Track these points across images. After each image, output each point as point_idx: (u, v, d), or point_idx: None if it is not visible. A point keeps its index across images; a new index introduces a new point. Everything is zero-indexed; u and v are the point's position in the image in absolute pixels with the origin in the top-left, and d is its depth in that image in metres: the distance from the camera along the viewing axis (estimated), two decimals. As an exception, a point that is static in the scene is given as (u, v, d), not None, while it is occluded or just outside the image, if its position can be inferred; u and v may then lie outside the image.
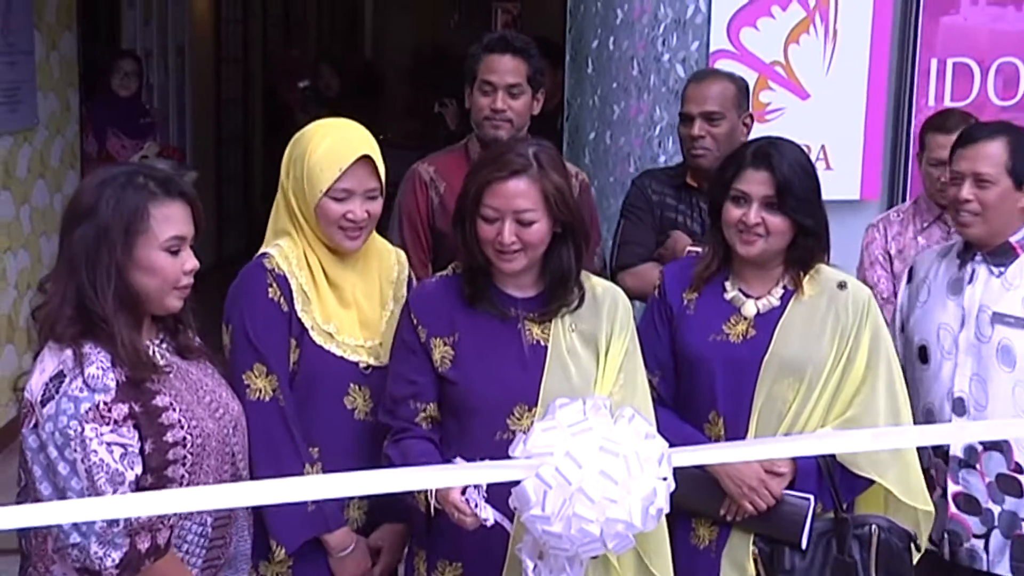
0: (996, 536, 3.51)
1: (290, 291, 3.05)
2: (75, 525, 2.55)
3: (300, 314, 3.05)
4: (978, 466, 3.53)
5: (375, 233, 3.20)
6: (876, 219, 4.40)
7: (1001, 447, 3.51)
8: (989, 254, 3.56)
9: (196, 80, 10.61)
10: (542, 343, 3.01)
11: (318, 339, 3.07)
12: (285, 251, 3.08)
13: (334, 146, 3.06)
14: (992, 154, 3.51)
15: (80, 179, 7.37)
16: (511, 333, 3.02)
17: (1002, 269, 3.55)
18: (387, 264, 3.28)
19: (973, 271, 3.58)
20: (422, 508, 2.90)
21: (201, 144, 10.60)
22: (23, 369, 2.81)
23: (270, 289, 3.03)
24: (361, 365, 3.11)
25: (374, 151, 3.08)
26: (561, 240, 2.98)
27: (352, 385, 3.11)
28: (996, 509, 3.51)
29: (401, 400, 3.00)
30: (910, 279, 3.78)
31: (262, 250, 3.11)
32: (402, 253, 3.39)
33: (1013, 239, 3.55)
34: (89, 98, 7.74)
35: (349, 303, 3.14)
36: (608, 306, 3.07)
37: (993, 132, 3.60)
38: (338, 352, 3.09)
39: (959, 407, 3.53)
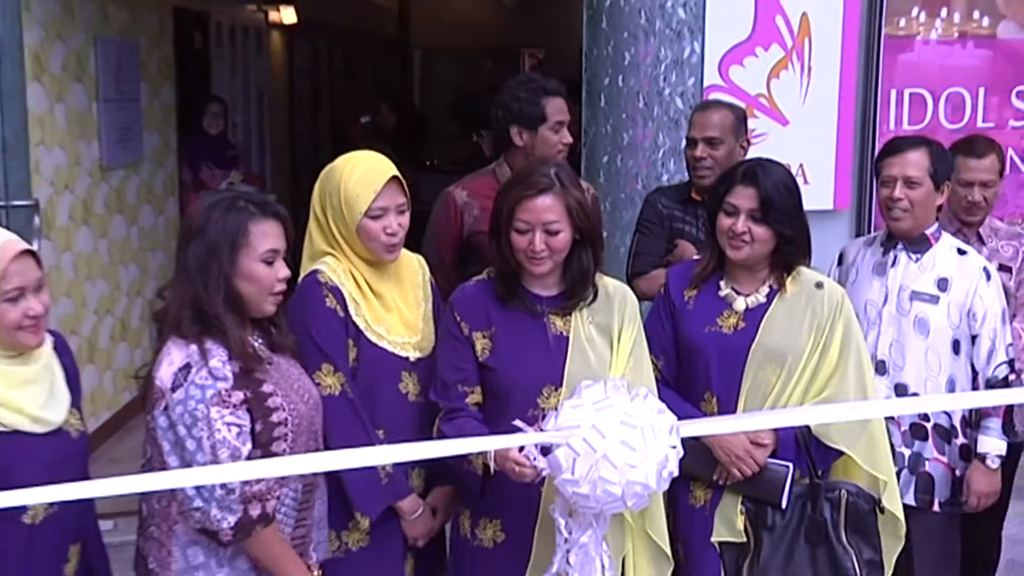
0: (904, 474, 3.56)
1: (343, 299, 3.03)
2: (199, 492, 2.60)
3: (355, 318, 3.04)
4: (896, 417, 3.58)
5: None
6: None
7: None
8: (909, 243, 3.61)
9: (273, 119, 10.70)
10: (564, 333, 3.02)
11: (372, 337, 3.06)
12: (332, 266, 3.06)
13: (366, 173, 3.05)
14: (918, 160, 3.56)
15: (178, 204, 7.56)
16: (538, 326, 3.02)
17: (919, 256, 3.61)
18: (413, 271, 3.26)
19: (895, 257, 3.63)
20: (479, 471, 2.92)
21: (279, 172, 10.67)
22: (134, 362, 2.83)
23: (327, 299, 3.01)
24: (411, 359, 3.11)
25: (398, 172, 3.09)
26: (580, 245, 2.99)
27: (404, 373, 3.09)
28: (906, 452, 3.59)
29: (451, 384, 3.01)
30: (840, 262, 3.83)
31: (309, 269, 3.09)
32: (421, 258, 3.36)
33: (928, 231, 3.60)
34: (185, 136, 7.79)
35: (391, 308, 3.13)
36: (619, 301, 3.08)
37: (916, 143, 3.65)
38: (390, 348, 3.08)
39: (881, 368, 3.58)
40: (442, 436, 2.97)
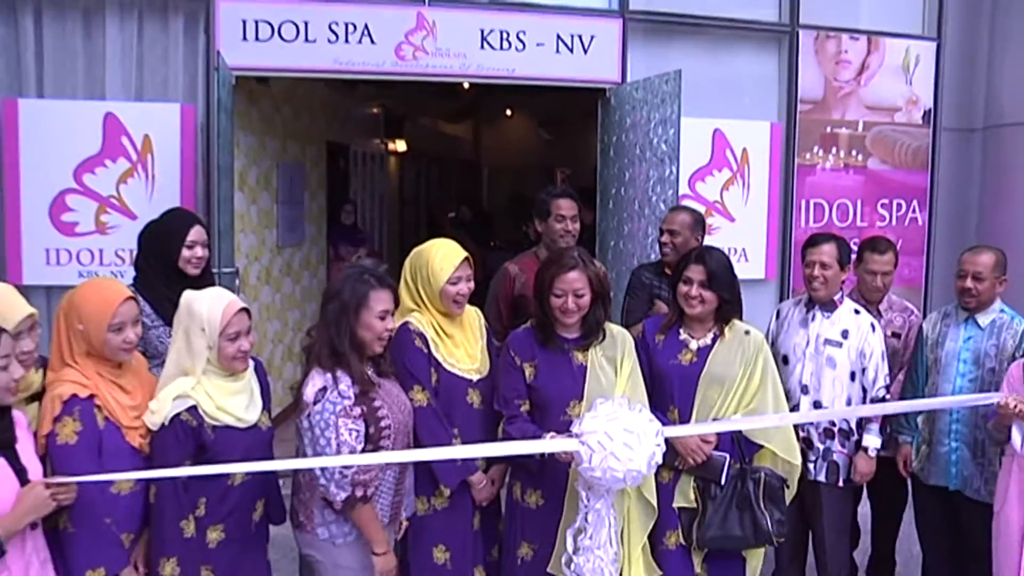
0: (819, 461, 3.56)
1: (427, 341, 2.99)
2: (323, 472, 2.64)
3: (435, 354, 3.01)
4: (814, 423, 3.57)
5: None
6: None
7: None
8: (823, 306, 3.60)
9: (389, 214, 10.71)
10: (584, 364, 3.01)
11: (447, 367, 3.03)
12: (419, 319, 3.02)
13: (446, 254, 3.03)
14: (829, 251, 3.58)
15: (326, 271, 7.56)
16: (566, 359, 3.02)
17: (829, 314, 3.59)
18: (472, 318, 3.19)
19: (814, 315, 3.61)
20: (538, 457, 2.92)
21: (392, 249, 10.68)
22: (295, 376, 2.86)
23: (416, 340, 2.97)
24: (473, 380, 3.07)
25: (467, 255, 3.08)
26: (595, 303, 3.00)
27: (470, 389, 3.05)
28: (821, 447, 3.57)
29: (510, 399, 3.01)
30: (778, 316, 3.78)
31: (401, 321, 3.00)
32: (477, 309, 3.26)
33: (835, 298, 3.60)
34: (330, 225, 7.82)
35: (459, 345, 3.09)
36: (620, 341, 3.07)
37: (828, 238, 3.65)
38: (459, 373, 3.04)
39: (805, 390, 3.57)
40: (507, 434, 2.98)
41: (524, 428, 2.95)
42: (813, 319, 3.60)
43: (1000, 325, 3.47)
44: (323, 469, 2.63)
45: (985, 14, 5.81)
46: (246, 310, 2.66)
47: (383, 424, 2.73)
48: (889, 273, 3.88)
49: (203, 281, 3.27)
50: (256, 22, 4.74)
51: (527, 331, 3.10)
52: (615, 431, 2.65)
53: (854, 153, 5.68)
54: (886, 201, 5.76)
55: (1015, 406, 2.98)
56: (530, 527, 3.08)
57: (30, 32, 4.60)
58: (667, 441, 2.99)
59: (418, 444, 2.91)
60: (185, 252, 3.28)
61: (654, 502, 3.05)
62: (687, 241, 3.85)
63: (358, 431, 2.67)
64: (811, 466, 3.56)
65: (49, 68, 4.61)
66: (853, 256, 3.81)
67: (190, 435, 2.53)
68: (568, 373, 3.01)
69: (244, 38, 4.72)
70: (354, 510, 2.69)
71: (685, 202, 4.95)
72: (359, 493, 2.67)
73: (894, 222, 5.78)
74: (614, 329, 3.11)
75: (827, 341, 3.55)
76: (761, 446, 3.16)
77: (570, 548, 2.87)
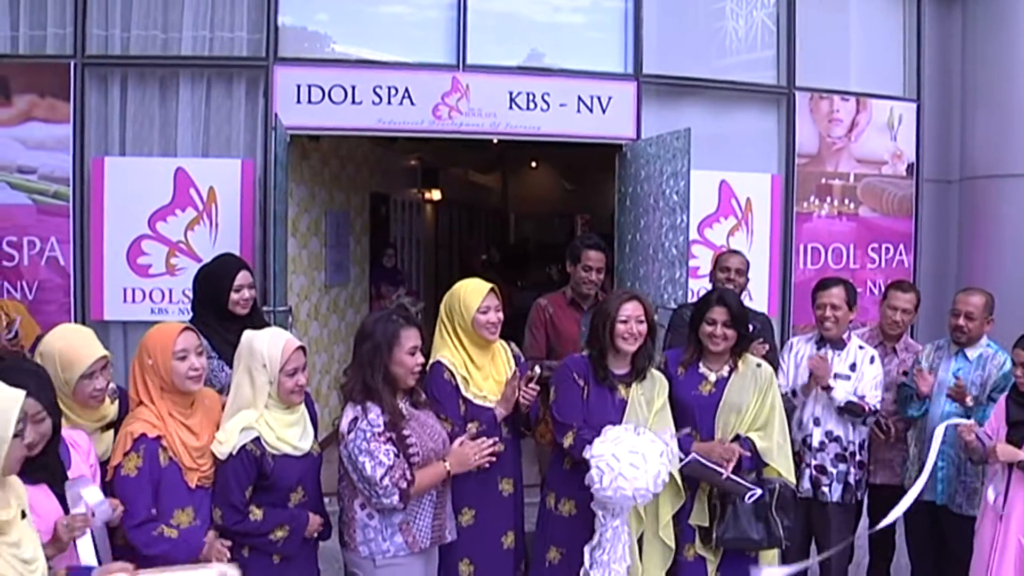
0: (834, 484, 3.55)
1: (454, 376, 2.99)
2: (372, 495, 2.68)
3: (463, 391, 3.01)
4: (825, 450, 3.56)
5: None
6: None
7: (837, 440, 3.56)
8: (833, 343, 3.61)
9: (426, 256, 10.72)
10: (624, 399, 3.06)
11: (475, 400, 3.03)
12: (450, 356, 3.02)
13: (474, 288, 3.05)
14: (839, 293, 3.60)
15: (368, 309, 7.49)
16: (611, 392, 3.07)
17: (839, 351, 3.60)
18: (501, 351, 3.17)
19: (825, 352, 3.60)
20: (567, 467, 2.97)
21: (428, 288, 10.65)
22: (340, 404, 2.85)
23: (446, 373, 2.99)
24: (502, 411, 3.06)
25: (493, 286, 3.09)
26: (648, 335, 3.08)
27: (500, 423, 3.06)
28: (834, 471, 3.56)
29: (575, 413, 3.03)
30: (789, 350, 3.77)
31: (436, 358, 3.03)
32: (504, 343, 3.21)
33: (844, 336, 3.61)
34: (372, 267, 7.81)
35: (488, 376, 3.08)
36: (658, 382, 3.14)
37: (837, 282, 3.67)
38: (488, 405, 3.04)
39: (817, 422, 3.57)
40: (581, 439, 2.94)
41: (590, 435, 2.94)
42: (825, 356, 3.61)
43: (986, 358, 3.56)
44: (370, 492, 2.64)
45: (956, 80, 5.91)
46: (302, 348, 2.67)
47: (411, 452, 2.72)
48: (909, 312, 3.84)
49: (252, 319, 3.27)
50: (309, 86, 4.84)
51: (583, 358, 3.14)
52: (621, 452, 2.68)
53: (846, 202, 5.67)
54: (876, 245, 5.74)
55: (971, 436, 3.23)
56: (560, 534, 3.07)
57: (116, 100, 4.79)
58: (694, 464, 3.01)
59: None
60: (233, 296, 3.26)
61: (671, 544, 3.06)
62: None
63: (392, 450, 2.67)
64: (826, 489, 3.57)
65: (130, 130, 4.78)
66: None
67: (253, 463, 2.56)
68: (611, 405, 3.05)
69: (298, 101, 4.82)
70: (411, 496, 2.71)
71: (694, 247, 4.91)
72: (403, 485, 2.68)
73: (883, 264, 5.74)
74: (655, 373, 3.15)
75: (837, 375, 3.54)
76: (766, 464, 3.17)
77: (587, 563, 2.86)
